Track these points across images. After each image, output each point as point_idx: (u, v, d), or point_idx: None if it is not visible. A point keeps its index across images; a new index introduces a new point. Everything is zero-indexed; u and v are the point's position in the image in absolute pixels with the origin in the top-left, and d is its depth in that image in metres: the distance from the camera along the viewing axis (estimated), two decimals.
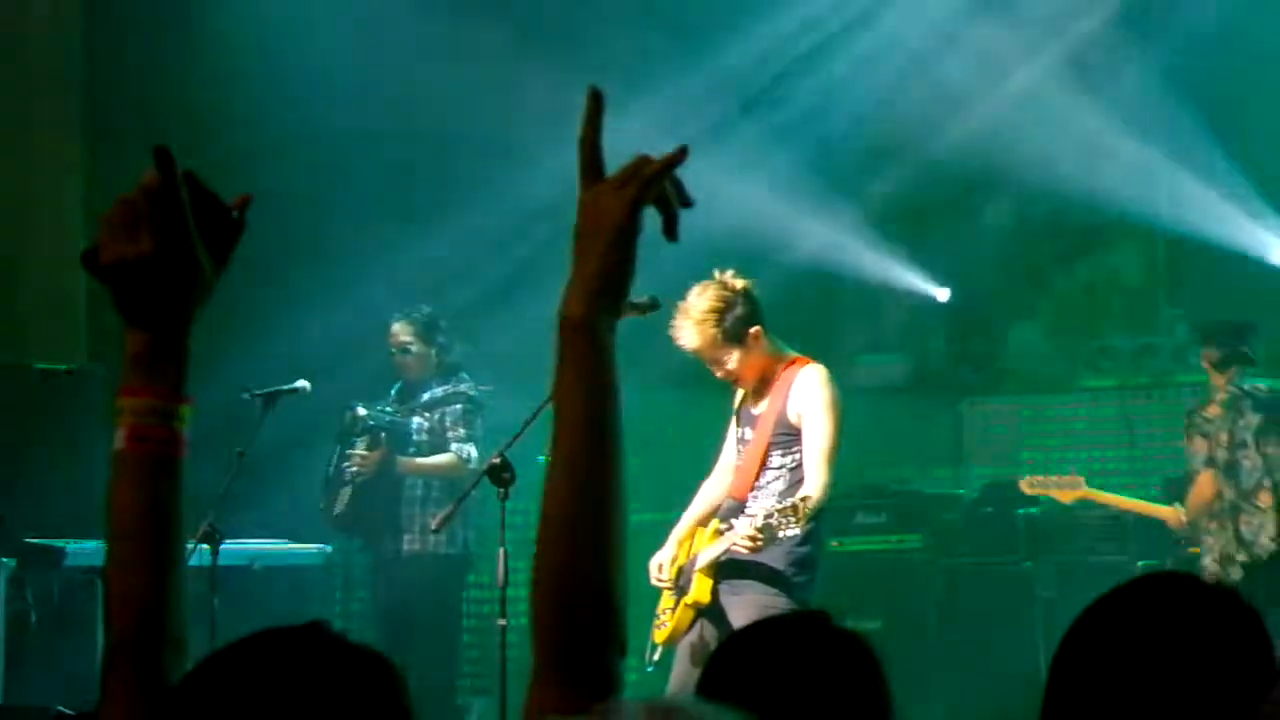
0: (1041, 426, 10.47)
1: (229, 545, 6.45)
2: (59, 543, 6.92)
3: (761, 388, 6.28)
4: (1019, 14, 10.15)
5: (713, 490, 6.51)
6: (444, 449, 7.91)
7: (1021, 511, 8.92)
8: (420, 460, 7.92)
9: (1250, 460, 7.33)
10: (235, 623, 5.73)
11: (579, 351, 1.90)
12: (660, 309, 5.66)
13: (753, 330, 6.17)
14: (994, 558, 8.96)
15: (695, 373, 6.50)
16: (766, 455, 6.19)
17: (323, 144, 9.11)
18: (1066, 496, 8.05)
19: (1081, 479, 8.06)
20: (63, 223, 8.65)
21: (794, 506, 5.79)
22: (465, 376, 8.04)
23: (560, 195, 1.94)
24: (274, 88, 8.96)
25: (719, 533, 6.21)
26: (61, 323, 8.54)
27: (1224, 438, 7.36)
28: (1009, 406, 10.62)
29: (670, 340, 6.19)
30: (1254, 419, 7.34)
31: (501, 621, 6.09)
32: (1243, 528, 7.31)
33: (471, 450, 7.81)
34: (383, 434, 7.88)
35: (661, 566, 6.33)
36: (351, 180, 9.33)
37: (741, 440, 6.36)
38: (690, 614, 6.25)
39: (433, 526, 7.30)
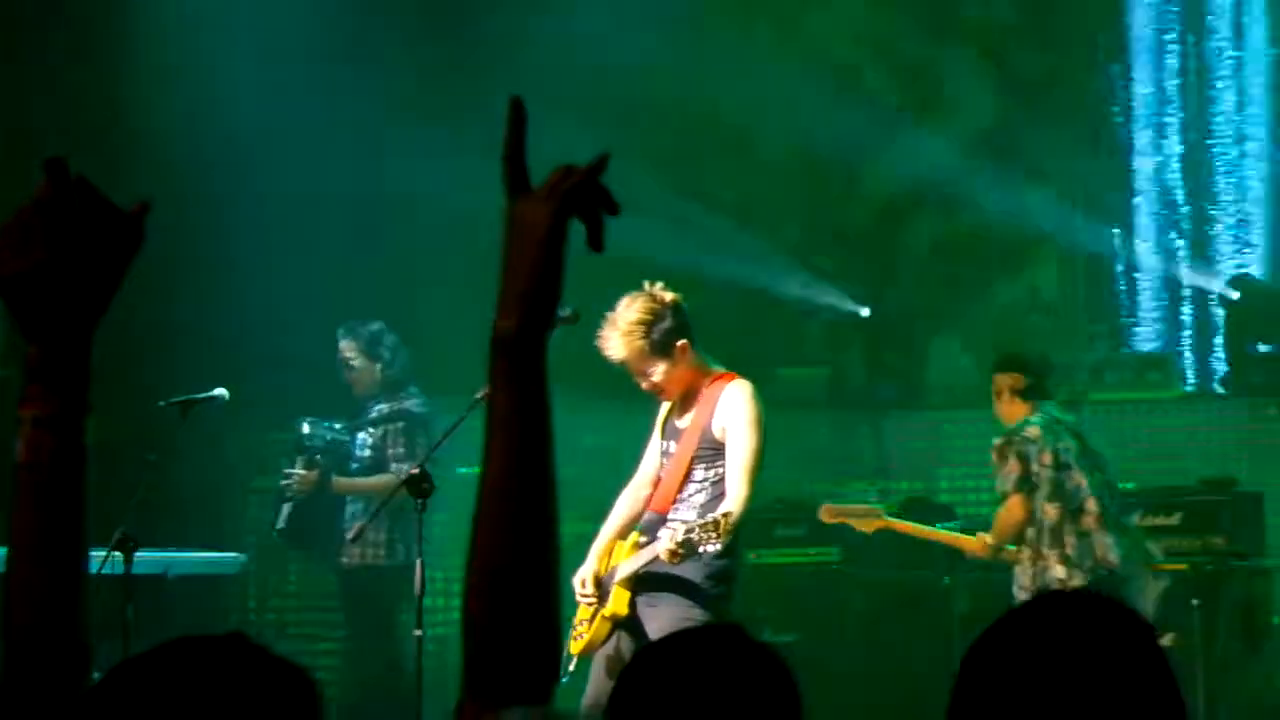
0: (960, 442, 10.54)
1: (143, 554, 6.36)
2: None
3: (686, 401, 6.27)
4: (943, 33, 10.25)
5: (630, 502, 6.49)
6: (386, 466, 7.95)
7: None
8: (357, 480, 8.01)
9: (1073, 480, 7.40)
10: (148, 631, 5.68)
11: (510, 368, 1.87)
12: (581, 321, 5.67)
13: (680, 343, 6.17)
14: (911, 572, 8.99)
15: (623, 384, 6.48)
16: (690, 469, 6.19)
17: (274, 151, 8.95)
18: (867, 527, 7.78)
19: (881, 509, 7.93)
20: None
21: (715, 522, 5.78)
22: (413, 391, 8.07)
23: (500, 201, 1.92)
24: (205, 88, 8.86)
25: (638, 545, 6.20)
26: None
27: (1047, 458, 7.38)
28: (929, 422, 10.68)
29: (597, 351, 6.18)
30: (1071, 444, 7.42)
31: (418, 632, 6.06)
32: (1069, 550, 7.36)
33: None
34: (318, 454, 7.93)
35: (585, 583, 6.31)
36: (298, 187, 9.20)
37: (665, 453, 6.35)
38: (607, 626, 6.23)
39: (349, 536, 7.34)
